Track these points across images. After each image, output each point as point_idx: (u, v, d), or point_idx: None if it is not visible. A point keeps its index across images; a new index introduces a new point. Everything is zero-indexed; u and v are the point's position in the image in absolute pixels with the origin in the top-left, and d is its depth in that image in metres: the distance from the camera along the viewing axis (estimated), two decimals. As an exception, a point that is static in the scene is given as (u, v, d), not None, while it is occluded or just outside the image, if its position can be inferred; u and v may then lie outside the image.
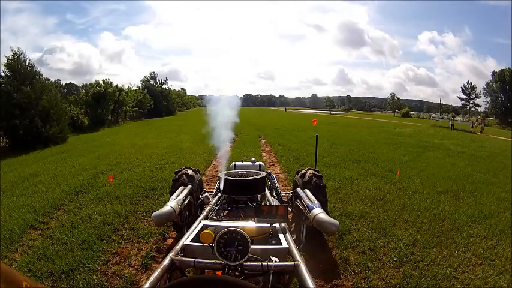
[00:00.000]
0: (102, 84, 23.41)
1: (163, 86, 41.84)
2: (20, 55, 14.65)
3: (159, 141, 12.87)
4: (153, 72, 41.83)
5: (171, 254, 1.42)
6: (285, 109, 72.53)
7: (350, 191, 5.82)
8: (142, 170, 7.31)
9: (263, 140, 13.59)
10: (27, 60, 14.82)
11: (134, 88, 32.53)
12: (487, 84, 52.57)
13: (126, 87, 29.32)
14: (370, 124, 28.78)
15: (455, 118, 32.01)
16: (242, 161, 4.19)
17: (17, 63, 14.33)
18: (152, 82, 40.66)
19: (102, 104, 22.85)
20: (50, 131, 13.82)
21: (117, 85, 25.93)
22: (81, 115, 21.21)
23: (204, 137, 14.40)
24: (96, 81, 24.47)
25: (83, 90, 25.68)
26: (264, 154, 9.82)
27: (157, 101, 36.11)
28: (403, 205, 5.06)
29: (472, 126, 27.63)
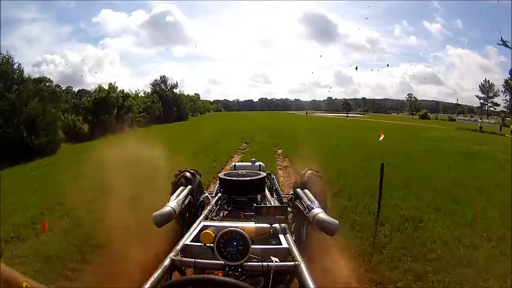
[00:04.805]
0: (106, 89, 21.99)
1: (174, 90, 40.34)
2: (8, 59, 13.38)
3: (156, 153, 10.94)
4: (163, 76, 40.25)
5: (171, 254, 1.46)
6: (306, 113, 69.56)
7: (422, 250, 3.59)
8: (111, 203, 5.31)
9: (279, 151, 11.43)
10: (16, 64, 13.64)
11: (141, 93, 31.01)
12: (506, 81, 49.71)
13: (134, 91, 27.98)
14: (394, 128, 26.10)
15: (483, 120, 28.89)
16: (242, 161, 4.30)
17: (4, 67, 13.01)
18: (162, 86, 39.20)
19: (104, 110, 21.46)
20: (36, 141, 12.24)
21: (123, 90, 24.47)
22: (78, 121, 19.81)
23: (206, 145, 12.43)
24: (99, 85, 23.14)
25: (90, 97, 24.35)
26: (280, 172, 7.63)
27: (167, 105, 34.52)
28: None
29: (501, 129, 25.50)
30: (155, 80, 39.68)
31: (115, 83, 24.21)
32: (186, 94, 48.74)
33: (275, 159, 9.44)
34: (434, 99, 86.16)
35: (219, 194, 2.92)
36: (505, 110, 49.56)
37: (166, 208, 2.30)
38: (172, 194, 2.75)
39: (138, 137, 19.13)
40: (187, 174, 3.41)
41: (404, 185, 6.33)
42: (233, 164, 3.88)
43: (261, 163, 3.87)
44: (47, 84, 36.14)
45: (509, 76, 46.66)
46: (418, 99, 69.12)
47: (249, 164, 3.86)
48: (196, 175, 3.58)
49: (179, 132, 19.96)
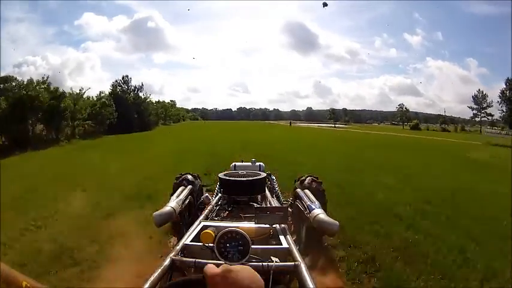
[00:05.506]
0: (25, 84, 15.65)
1: (140, 94, 33.66)
2: None
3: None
4: (126, 76, 33.35)
5: (171, 254, 1.42)
6: (290, 123, 64.94)
7: None
8: None
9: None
10: None
11: (89, 94, 24.11)
12: (502, 92, 49.32)
13: (77, 91, 21.58)
14: (415, 144, 21.33)
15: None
16: (242, 161, 4.04)
17: None
18: (125, 87, 32.34)
19: (23, 115, 15.13)
20: None
21: (57, 88, 18.05)
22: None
23: (136, 186, 6.18)
24: (22, 80, 16.80)
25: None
26: None
27: (127, 111, 27.93)
28: None
29: None
30: (115, 81, 32.91)
31: (47, 78, 17.89)
32: (156, 100, 42.70)
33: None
34: (413, 110, 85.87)
35: (219, 194, 2.86)
36: (496, 120, 48.87)
37: (167, 208, 2.26)
38: (173, 194, 2.71)
39: (56, 159, 12.97)
40: (189, 176, 3.34)
41: None
42: (233, 163, 3.80)
43: (261, 163, 3.81)
44: (13, 84, 29.52)
45: (504, 87, 45.23)
46: (403, 110, 67.08)
47: (249, 164, 3.81)
48: (198, 178, 3.50)
49: (124, 150, 13.83)
